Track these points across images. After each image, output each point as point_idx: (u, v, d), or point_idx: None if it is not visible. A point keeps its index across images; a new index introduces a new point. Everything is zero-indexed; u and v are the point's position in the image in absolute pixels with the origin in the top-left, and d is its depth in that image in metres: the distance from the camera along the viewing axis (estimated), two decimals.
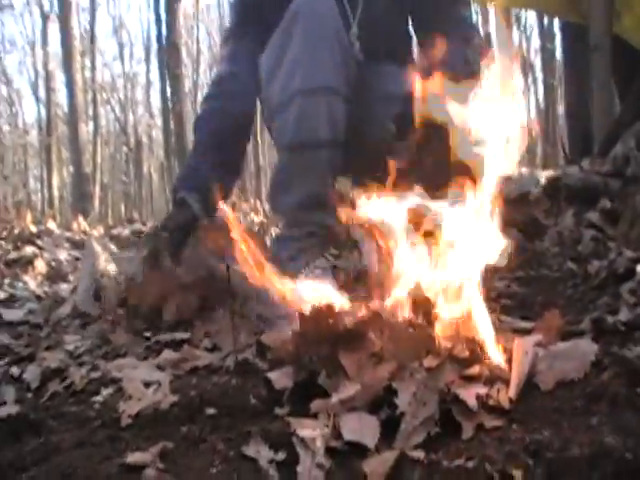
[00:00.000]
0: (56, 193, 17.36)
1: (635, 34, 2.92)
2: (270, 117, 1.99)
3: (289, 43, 1.86)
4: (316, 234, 1.92)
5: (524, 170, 4.55)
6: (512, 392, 0.99)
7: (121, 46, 22.66)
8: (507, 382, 1.02)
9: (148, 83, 22.18)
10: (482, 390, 0.99)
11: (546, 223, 2.14)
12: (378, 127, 1.89)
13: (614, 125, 2.65)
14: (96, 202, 14.04)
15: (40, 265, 2.77)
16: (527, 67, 17.99)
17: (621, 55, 3.02)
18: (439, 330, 1.09)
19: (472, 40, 2.05)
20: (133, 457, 0.95)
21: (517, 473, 0.82)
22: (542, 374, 1.04)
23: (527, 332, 1.25)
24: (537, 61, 17.85)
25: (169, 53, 6.89)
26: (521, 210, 2.14)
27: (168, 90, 12.26)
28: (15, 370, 1.48)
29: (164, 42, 11.17)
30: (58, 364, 1.45)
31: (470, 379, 1.02)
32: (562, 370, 1.04)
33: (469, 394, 0.96)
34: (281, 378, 1.16)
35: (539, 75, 17.33)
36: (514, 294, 1.73)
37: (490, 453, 0.86)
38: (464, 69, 2.01)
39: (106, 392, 1.27)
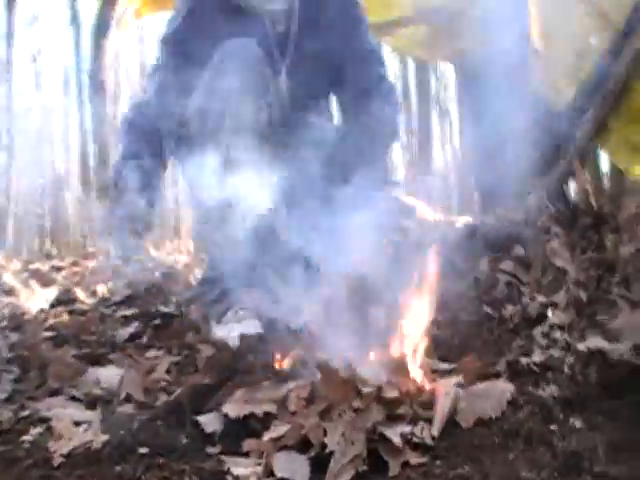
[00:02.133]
0: None
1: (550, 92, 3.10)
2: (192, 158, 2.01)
3: (216, 85, 1.92)
4: (239, 275, 1.93)
5: (440, 216, 4.71)
6: (435, 430, 1.06)
7: (38, 75, 22.18)
8: (430, 421, 1.09)
9: (66, 114, 21.75)
10: (407, 429, 1.05)
11: (463, 268, 2.24)
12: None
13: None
14: (10, 235, 13.62)
15: None
16: (444, 115, 18.56)
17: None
18: (366, 372, 1.14)
19: (389, 97, 2.16)
20: None
21: None
22: (462, 413, 1.11)
23: (447, 373, 1.33)
24: (453, 108, 18.43)
25: (92, 85, 6.80)
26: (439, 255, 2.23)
27: (85, 122, 12.07)
28: None
29: (86, 75, 11.06)
30: None
31: (395, 419, 1.08)
32: (481, 409, 1.12)
33: (394, 432, 1.02)
34: (211, 421, 1.19)
35: (455, 123, 17.88)
36: (434, 336, 1.80)
37: None
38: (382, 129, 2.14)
39: (35, 431, 1.27)
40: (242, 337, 1.45)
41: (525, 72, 3.08)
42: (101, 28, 5.86)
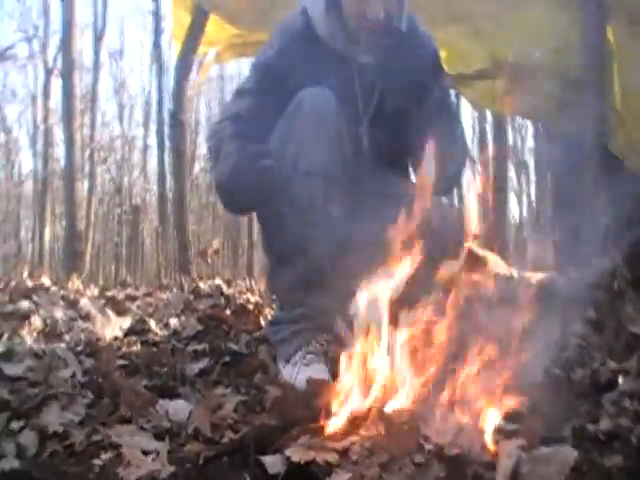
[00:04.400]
0: (47, 247, 17.39)
1: (626, 153, 3.08)
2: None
3: (292, 132, 1.98)
4: (310, 317, 1.97)
5: (515, 271, 4.66)
6: None
7: (121, 107, 22.97)
8: None
9: (145, 147, 22.42)
10: None
11: (533, 328, 2.22)
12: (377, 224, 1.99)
13: (602, 237, 2.76)
14: (87, 260, 14.05)
15: (36, 321, 2.81)
16: (520, 167, 18.39)
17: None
18: (430, 428, 1.16)
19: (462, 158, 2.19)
20: None
21: None
22: (525, 476, 1.11)
23: (512, 434, 1.32)
24: (531, 161, 18.23)
25: (171, 123, 7.01)
26: (507, 314, 2.22)
27: (165, 156, 12.46)
28: (15, 425, 1.51)
29: (165, 111, 11.42)
30: (57, 425, 1.49)
31: (456, 477, 1.08)
32: (544, 473, 1.11)
33: None
34: (275, 463, 1.22)
35: (532, 176, 17.67)
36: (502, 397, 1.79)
37: None
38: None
39: (106, 456, 1.32)
40: (309, 382, 1.47)
41: (604, 132, 3.07)
42: (182, 69, 6.08)
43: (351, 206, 2.01)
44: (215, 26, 3.74)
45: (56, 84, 17.14)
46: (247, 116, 2.11)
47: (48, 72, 18.57)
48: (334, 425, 1.27)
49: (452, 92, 2.34)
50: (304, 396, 1.44)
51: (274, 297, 2.56)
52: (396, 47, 2.14)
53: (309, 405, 1.39)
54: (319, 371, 1.82)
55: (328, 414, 1.32)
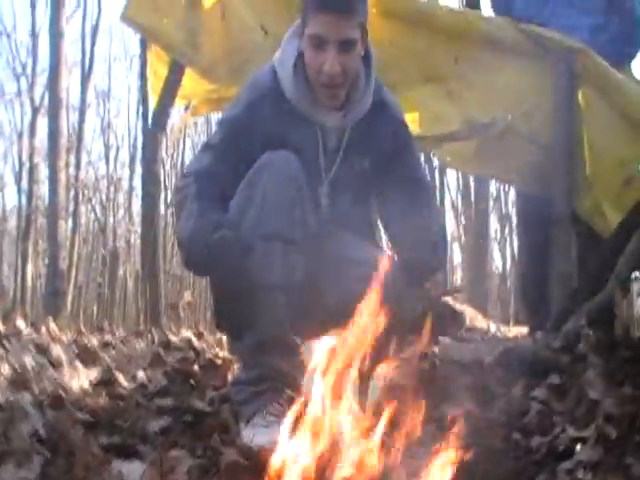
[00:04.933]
0: (29, 283, 17.28)
1: (593, 217, 3.14)
2: None
3: (254, 194, 2.00)
4: (269, 378, 1.97)
5: (492, 325, 4.69)
6: None
7: (107, 148, 23.04)
8: None
9: (131, 188, 22.41)
10: None
11: (497, 391, 2.24)
12: (336, 289, 2.01)
13: (569, 300, 2.80)
14: (69, 300, 13.97)
15: (5, 369, 2.79)
16: (504, 217, 18.56)
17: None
18: None
19: (437, 222, 2.24)
20: None
21: None
22: None
23: None
24: (514, 212, 18.40)
25: (148, 172, 7.02)
26: (473, 376, 2.24)
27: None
28: None
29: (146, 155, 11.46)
30: None
31: None
32: None
33: None
34: None
35: (515, 226, 17.82)
36: (460, 461, 1.79)
37: None
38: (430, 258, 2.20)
39: None
40: (263, 448, 1.48)
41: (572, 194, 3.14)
42: (158, 121, 6.14)
43: (310, 269, 2.04)
44: (191, 80, 3.80)
45: (42, 122, 17.20)
46: (209, 174, 2.13)
47: (35, 110, 18.61)
48: None
49: (422, 158, 2.39)
50: (259, 463, 1.44)
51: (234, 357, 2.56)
52: (363, 114, 2.18)
53: (263, 472, 1.39)
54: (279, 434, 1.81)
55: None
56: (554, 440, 1.87)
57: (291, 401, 2.00)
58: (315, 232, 2.09)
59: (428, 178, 2.49)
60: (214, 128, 2.39)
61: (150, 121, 6.55)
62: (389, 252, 2.29)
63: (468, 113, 3.27)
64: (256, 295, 1.96)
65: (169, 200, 18.39)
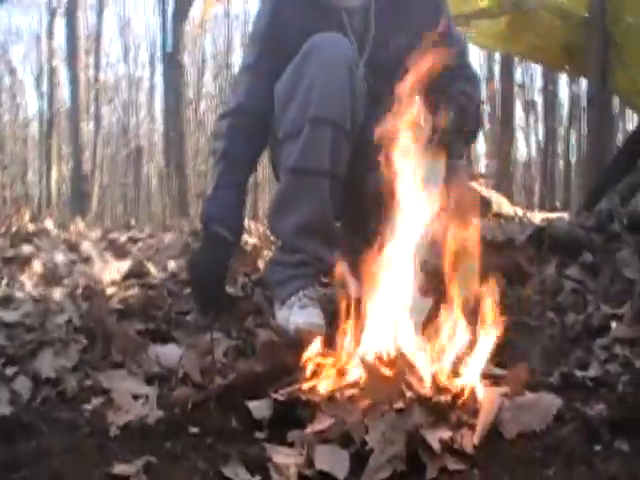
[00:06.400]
0: (54, 188, 17.37)
1: (630, 97, 3.03)
2: (279, 145, 2.05)
3: (303, 76, 1.94)
4: (309, 264, 1.97)
5: (519, 211, 4.65)
6: (476, 438, 1.07)
7: (126, 48, 22.64)
8: (473, 428, 1.10)
9: (152, 87, 22.16)
10: (448, 434, 1.06)
11: (529, 271, 2.21)
12: (375, 176, 1.96)
13: (601, 179, 2.74)
14: (94, 202, 14.06)
15: (37, 266, 2.82)
16: (529, 106, 18.14)
17: None
18: (412, 374, 1.16)
19: (475, 85, 2.14)
20: (119, 468, 1.02)
21: None
22: (506, 423, 1.12)
23: (499, 379, 1.32)
24: (539, 100, 17.96)
25: (172, 65, 6.91)
26: (505, 256, 2.22)
27: (170, 97, 12.34)
28: (8, 371, 1.53)
29: (168, 50, 11.27)
30: (50, 371, 1.50)
31: (438, 423, 1.09)
32: (525, 421, 1.12)
33: (434, 437, 1.03)
34: (260, 408, 1.23)
35: (540, 114, 17.43)
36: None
37: None
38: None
39: (96, 401, 1.34)
40: (297, 331, 1.48)
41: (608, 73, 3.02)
42: (180, 10, 5.98)
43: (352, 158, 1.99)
44: None
45: (60, 24, 16.88)
46: (248, 98, 2.14)
47: (52, 12, 18.25)
48: (321, 372, 1.28)
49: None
50: (294, 342, 1.44)
51: (274, 239, 2.55)
52: None
53: (298, 351, 1.39)
54: (314, 316, 1.82)
55: (317, 361, 1.33)
56: (588, 318, 1.85)
57: (327, 287, 2.02)
58: (360, 116, 2.02)
59: (463, 39, 2.35)
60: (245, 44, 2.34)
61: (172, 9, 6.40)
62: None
63: None
64: (302, 179, 1.93)
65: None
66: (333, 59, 1.93)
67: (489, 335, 1.25)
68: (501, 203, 4.32)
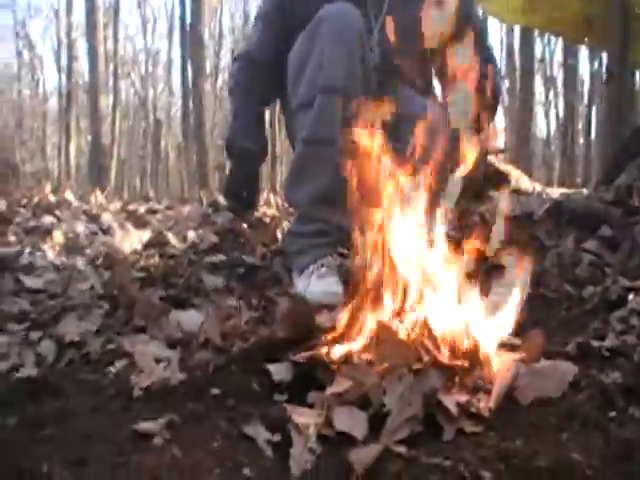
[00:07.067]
0: (73, 162, 17.48)
1: None
2: (293, 115, 2.07)
3: (314, 46, 1.95)
4: (327, 233, 1.99)
5: (538, 186, 4.63)
6: (492, 403, 1.09)
7: (144, 21, 22.62)
8: (489, 393, 1.11)
9: (169, 60, 22.18)
10: (465, 398, 1.08)
11: (547, 244, 2.22)
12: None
13: (620, 154, 2.72)
14: (113, 175, 14.14)
15: (58, 236, 2.86)
16: (549, 81, 17.96)
17: None
18: (430, 338, 1.18)
19: (492, 62, 2.13)
20: (143, 426, 1.05)
21: (487, 475, 0.91)
22: (522, 389, 1.13)
23: (515, 348, 1.34)
24: (559, 75, 17.74)
25: (191, 38, 6.92)
26: (524, 229, 2.22)
27: (189, 70, 12.34)
28: (33, 335, 1.57)
29: (187, 23, 11.26)
30: (74, 335, 1.54)
31: (454, 387, 1.11)
32: (541, 387, 1.14)
33: (451, 400, 1.05)
34: (280, 371, 1.25)
35: (560, 90, 17.23)
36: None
37: (466, 455, 0.95)
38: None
39: (119, 364, 1.37)
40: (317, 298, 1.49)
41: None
42: None
43: None
44: None
45: None
46: (256, 48, 2.25)
47: None
48: (339, 336, 1.30)
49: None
50: (314, 309, 1.46)
51: (292, 209, 2.57)
52: None
53: (318, 318, 1.42)
54: (332, 284, 1.84)
55: (336, 328, 1.34)
56: (606, 290, 1.86)
57: (344, 257, 2.04)
58: (370, 86, 2.03)
59: (480, 13, 2.36)
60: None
61: None
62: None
63: None
64: (316, 149, 1.94)
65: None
66: (342, 29, 1.94)
67: (511, 303, 1.26)
68: (519, 178, 4.31)
